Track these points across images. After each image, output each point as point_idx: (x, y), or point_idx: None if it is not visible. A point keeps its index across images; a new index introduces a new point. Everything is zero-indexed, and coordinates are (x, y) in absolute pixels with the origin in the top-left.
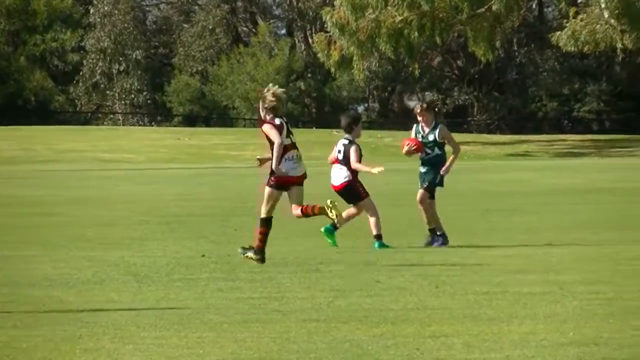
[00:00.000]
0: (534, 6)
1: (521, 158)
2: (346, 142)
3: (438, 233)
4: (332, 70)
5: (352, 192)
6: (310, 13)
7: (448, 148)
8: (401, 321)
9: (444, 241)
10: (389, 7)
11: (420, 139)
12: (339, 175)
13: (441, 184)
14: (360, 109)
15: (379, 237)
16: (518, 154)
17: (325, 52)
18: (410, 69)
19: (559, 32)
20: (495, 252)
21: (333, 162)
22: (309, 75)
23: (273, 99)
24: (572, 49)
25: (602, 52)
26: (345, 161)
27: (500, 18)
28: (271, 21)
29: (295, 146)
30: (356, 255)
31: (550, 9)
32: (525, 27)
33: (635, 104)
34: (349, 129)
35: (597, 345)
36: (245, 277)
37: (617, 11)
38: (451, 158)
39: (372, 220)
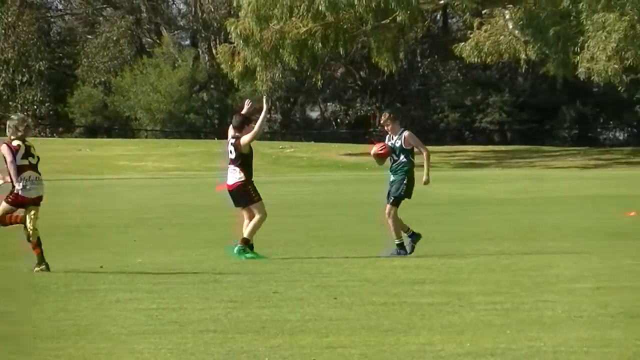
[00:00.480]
0: (438, 17)
1: (422, 169)
2: (233, 140)
3: (396, 242)
4: (236, 81)
5: (245, 193)
6: (215, 24)
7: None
8: (299, 332)
9: (402, 250)
10: (293, 18)
11: (390, 146)
12: (233, 176)
13: (408, 195)
14: None
15: (246, 241)
16: (419, 164)
17: (229, 63)
18: (313, 79)
19: (462, 43)
20: (394, 262)
21: (229, 164)
22: (212, 86)
23: (17, 123)
24: (476, 60)
25: (505, 63)
26: (239, 161)
27: (404, 29)
28: (175, 32)
29: (32, 168)
30: (254, 266)
31: (454, 19)
32: (429, 38)
33: (537, 115)
34: (240, 127)
35: (494, 355)
36: (144, 288)
37: (521, 22)
38: (425, 166)
39: (252, 224)
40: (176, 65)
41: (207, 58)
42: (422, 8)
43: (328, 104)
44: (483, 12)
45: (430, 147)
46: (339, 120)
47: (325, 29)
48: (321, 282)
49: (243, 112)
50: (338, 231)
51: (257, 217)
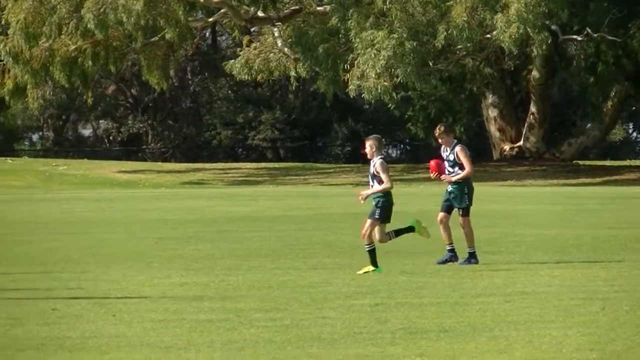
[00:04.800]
0: (207, 35)
1: (196, 186)
2: None
3: (469, 251)
4: (7, 98)
5: None
6: None
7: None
8: (79, 349)
9: (473, 260)
10: (62, 36)
11: (444, 159)
12: None
13: (470, 202)
14: (35, 137)
15: None
16: (193, 182)
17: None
18: (85, 97)
19: (232, 61)
20: (172, 280)
21: None
22: None
23: None
24: (246, 77)
25: (275, 80)
26: None
27: (174, 46)
28: None
29: None
30: (32, 282)
31: (224, 37)
32: (199, 55)
33: (309, 132)
34: None
35: None
36: None
37: (290, 40)
38: (461, 174)
39: None
40: None
41: None
42: (191, 25)
43: (100, 121)
44: (252, 29)
45: (203, 164)
46: (111, 137)
47: (94, 46)
48: (99, 299)
49: None
50: (114, 248)
51: None
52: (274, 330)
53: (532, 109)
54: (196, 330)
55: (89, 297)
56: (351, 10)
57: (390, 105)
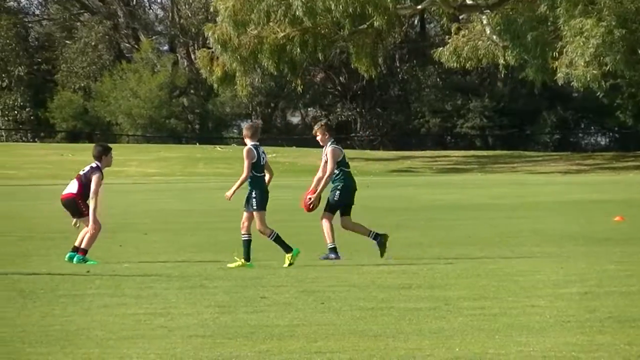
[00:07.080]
0: (415, 22)
1: (405, 174)
2: (94, 165)
3: (330, 246)
4: (215, 86)
5: (74, 206)
6: (193, 29)
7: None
8: (287, 337)
9: (329, 256)
10: (271, 23)
11: (324, 160)
12: (70, 188)
13: (344, 200)
14: (244, 124)
15: (84, 252)
16: (401, 170)
17: (208, 68)
18: (293, 84)
19: (441, 48)
20: (380, 268)
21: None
22: (192, 91)
23: None
24: (455, 65)
25: (484, 68)
26: (83, 181)
27: (382, 34)
28: (153, 37)
29: None
30: (241, 271)
31: (432, 25)
32: (408, 43)
33: (517, 120)
34: (99, 158)
35: None
36: (131, 294)
37: (498, 27)
38: (321, 184)
39: (88, 235)
40: (155, 70)
41: (185, 63)
42: (399, 13)
43: (309, 109)
44: (460, 17)
45: (412, 152)
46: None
47: (303, 34)
48: (308, 287)
49: None
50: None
51: (89, 232)
52: (482, 319)
53: None
54: (405, 319)
55: (298, 285)
56: None
57: (599, 93)
